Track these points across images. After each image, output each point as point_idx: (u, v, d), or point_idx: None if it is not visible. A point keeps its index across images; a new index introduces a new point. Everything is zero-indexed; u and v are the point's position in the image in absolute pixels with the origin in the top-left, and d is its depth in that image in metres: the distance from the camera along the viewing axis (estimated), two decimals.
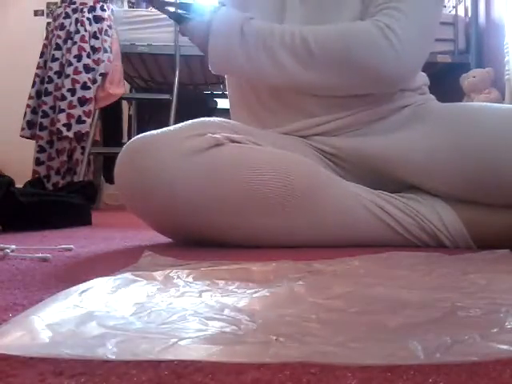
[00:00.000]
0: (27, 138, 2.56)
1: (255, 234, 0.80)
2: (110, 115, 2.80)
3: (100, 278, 0.46)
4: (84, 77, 2.45)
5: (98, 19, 2.54)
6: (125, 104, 3.20)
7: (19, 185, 1.34)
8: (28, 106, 2.55)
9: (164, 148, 0.78)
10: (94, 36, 2.51)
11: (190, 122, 0.84)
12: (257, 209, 0.78)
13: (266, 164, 0.79)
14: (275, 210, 0.79)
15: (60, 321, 0.32)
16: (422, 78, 1.00)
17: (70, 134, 2.40)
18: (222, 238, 0.81)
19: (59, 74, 2.48)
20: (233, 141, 0.81)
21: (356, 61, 0.83)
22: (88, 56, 2.48)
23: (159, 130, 0.83)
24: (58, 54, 2.50)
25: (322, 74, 0.86)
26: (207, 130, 0.80)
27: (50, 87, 2.48)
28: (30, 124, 2.53)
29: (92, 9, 2.54)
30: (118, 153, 0.84)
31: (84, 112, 2.43)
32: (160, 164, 0.77)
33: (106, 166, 2.79)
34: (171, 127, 0.84)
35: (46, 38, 2.65)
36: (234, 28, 0.88)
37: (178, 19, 0.95)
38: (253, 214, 0.78)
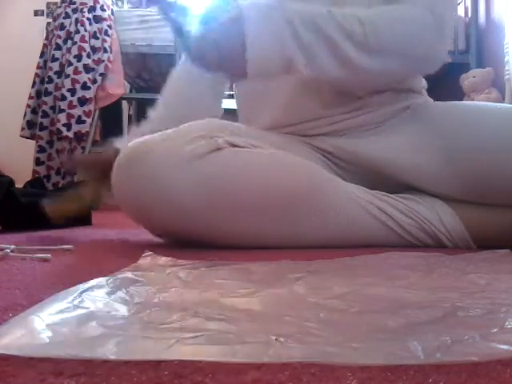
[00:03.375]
0: (27, 138, 2.56)
1: (256, 238, 0.80)
2: (110, 115, 2.80)
3: (100, 278, 0.46)
4: (84, 77, 2.45)
5: (98, 19, 2.53)
6: (125, 104, 3.20)
7: (19, 185, 1.34)
8: (28, 105, 2.55)
9: (162, 154, 0.76)
10: (94, 36, 2.51)
11: (189, 124, 0.82)
12: (258, 213, 0.78)
13: (267, 169, 0.79)
14: (277, 213, 0.79)
15: (60, 321, 0.32)
16: (423, 80, 1.01)
17: (70, 134, 2.40)
18: (222, 243, 0.80)
19: (59, 74, 2.48)
20: (233, 145, 0.80)
21: (412, 48, 0.82)
22: (88, 56, 2.47)
23: (157, 134, 0.81)
24: (57, 53, 2.50)
25: (375, 61, 0.79)
26: (207, 133, 0.79)
27: (50, 87, 2.48)
28: (30, 124, 2.53)
29: (92, 9, 2.53)
30: None
31: (84, 112, 2.43)
32: (158, 170, 0.75)
33: None
34: (169, 130, 0.82)
35: (46, 37, 2.65)
36: (274, 17, 0.75)
37: (179, 30, 0.79)
38: (254, 218, 0.78)
